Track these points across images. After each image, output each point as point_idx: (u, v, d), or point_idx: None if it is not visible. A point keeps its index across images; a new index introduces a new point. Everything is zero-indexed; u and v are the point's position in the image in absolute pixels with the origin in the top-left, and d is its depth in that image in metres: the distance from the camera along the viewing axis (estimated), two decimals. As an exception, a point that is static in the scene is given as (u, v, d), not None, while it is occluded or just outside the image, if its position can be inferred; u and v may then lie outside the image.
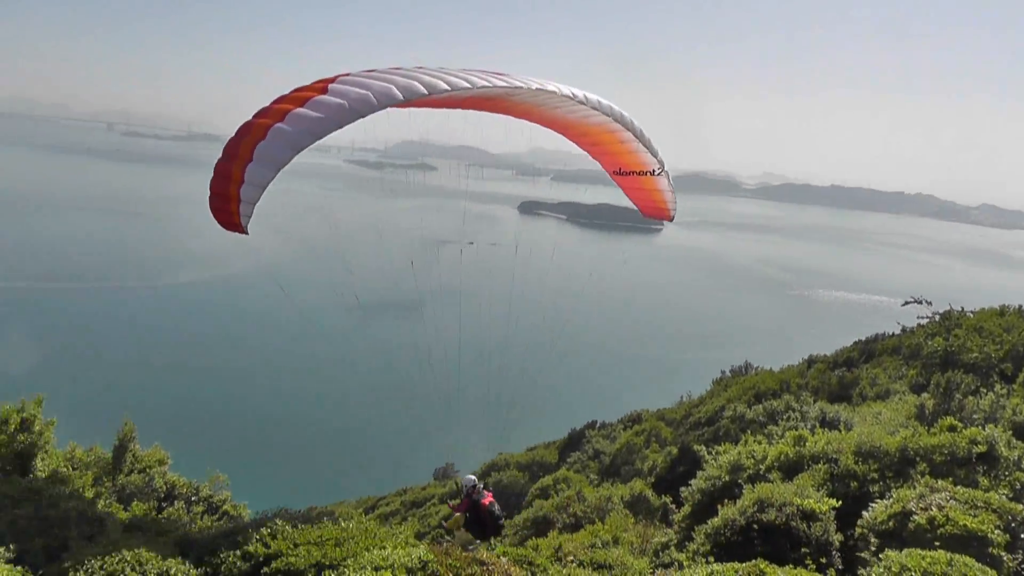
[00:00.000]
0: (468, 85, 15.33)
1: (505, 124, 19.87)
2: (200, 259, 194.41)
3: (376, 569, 10.76)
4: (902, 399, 28.33)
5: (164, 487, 19.28)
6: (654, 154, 20.32)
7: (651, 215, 22.45)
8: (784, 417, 27.82)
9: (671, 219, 22.21)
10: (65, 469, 17.29)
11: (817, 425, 24.14)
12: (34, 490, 14.21)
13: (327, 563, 11.75)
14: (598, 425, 51.07)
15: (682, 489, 20.73)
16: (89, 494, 16.88)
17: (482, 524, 16.79)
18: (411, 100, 14.78)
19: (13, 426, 16.56)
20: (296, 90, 15.49)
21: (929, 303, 37.76)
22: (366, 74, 15.56)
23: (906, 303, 39.17)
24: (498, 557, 12.19)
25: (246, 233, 15.71)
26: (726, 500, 16.86)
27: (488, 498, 17.11)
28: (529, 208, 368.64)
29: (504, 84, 16.13)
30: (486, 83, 15.68)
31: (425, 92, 14.76)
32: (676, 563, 16.42)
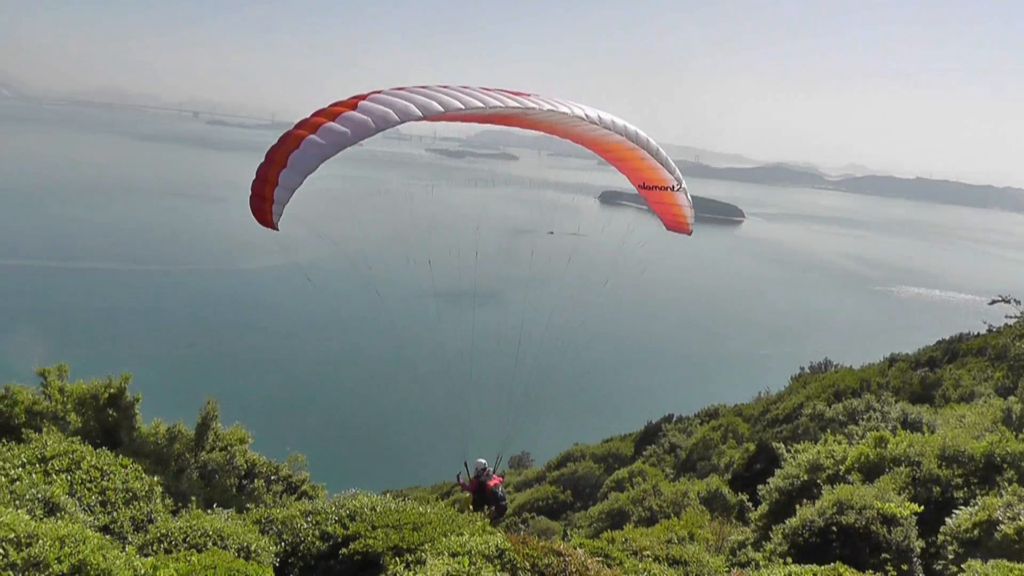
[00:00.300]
0: (481, 105, 16.73)
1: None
2: (278, 244, 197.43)
3: (453, 555, 10.83)
4: (987, 402, 27.35)
5: (245, 465, 19.70)
6: (671, 171, 21.77)
7: (673, 228, 23.92)
8: (865, 417, 27.29)
9: (690, 233, 23.67)
10: (151, 443, 17.82)
11: (898, 426, 23.55)
12: (122, 464, 14.67)
13: (404, 547, 11.86)
14: (674, 419, 50.62)
15: (759, 487, 20.52)
16: (173, 469, 17.41)
17: (486, 503, 17.62)
18: (428, 117, 16.18)
19: (103, 400, 17.16)
20: (332, 105, 17.05)
21: (1018, 302, 36.57)
22: (394, 91, 16.99)
23: (993, 302, 38.05)
24: (574, 548, 12.20)
25: (276, 229, 17.49)
26: (804, 500, 16.62)
27: (495, 480, 17.96)
28: (610, 198, 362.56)
29: (516, 104, 17.39)
30: (499, 103, 17.03)
31: (441, 110, 16.19)
32: (753, 562, 16.24)
